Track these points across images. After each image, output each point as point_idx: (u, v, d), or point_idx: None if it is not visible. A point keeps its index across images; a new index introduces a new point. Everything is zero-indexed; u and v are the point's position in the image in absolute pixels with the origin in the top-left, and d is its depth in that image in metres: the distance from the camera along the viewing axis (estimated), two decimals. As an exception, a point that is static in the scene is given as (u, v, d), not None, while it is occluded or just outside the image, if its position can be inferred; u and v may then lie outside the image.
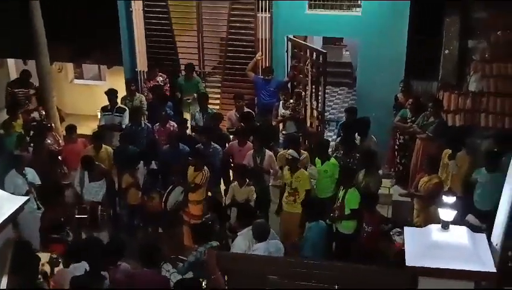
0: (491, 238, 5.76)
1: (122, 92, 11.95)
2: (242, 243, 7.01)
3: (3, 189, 8.02)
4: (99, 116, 10.64)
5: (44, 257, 6.82)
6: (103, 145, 9.60)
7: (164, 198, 8.71)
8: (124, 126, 10.43)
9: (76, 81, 14.81)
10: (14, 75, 13.68)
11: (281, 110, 10.66)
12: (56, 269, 6.84)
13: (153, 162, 9.15)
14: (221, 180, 9.97)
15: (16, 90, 11.97)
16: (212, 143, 9.33)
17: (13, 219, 6.13)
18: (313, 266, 6.27)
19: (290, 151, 8.65)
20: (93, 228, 8.63)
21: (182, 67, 12.14)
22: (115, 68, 13.37)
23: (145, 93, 11.64)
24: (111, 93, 10.61)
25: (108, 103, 10.66)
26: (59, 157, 9.63)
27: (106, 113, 10.54)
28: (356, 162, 8.92)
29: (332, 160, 8.83)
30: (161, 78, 11.64)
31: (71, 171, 9.59)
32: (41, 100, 11.42)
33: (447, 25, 10.38)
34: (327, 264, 6.71)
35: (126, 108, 10.68)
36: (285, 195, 8.67)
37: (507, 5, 9.97)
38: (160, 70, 11.74)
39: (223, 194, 9.65)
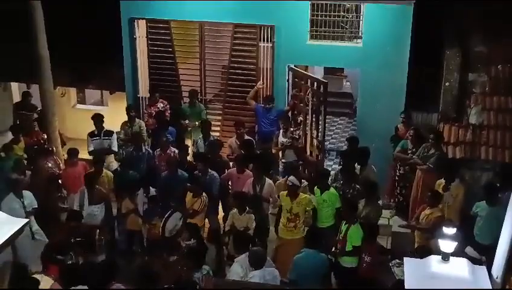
0: (492, 271, 5.74)
1: (123, 118, 12.03)
2: (239, 269, 6.97)
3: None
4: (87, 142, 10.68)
5: (43, 279, 6.76)
6: (104, 170, 9.61)
7: (162, 224, 8.68)
8: (113, 149, 10.56)
9: (79, 106, 14.89)
10: (17, 98, 13.75)
11: (281, 139, 10.71)
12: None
13: (152, 188, 9.12)
14: (220, 207, 9.96)
15: (20, 112, 12.06)
16: (210, 170, 9.33)
17: (12, 241, 6.12)
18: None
19: (291, 177, 8.66)
20: (91, 252, 8.56)
21: (184, 94, 12.23)
22: (117, 94, 13.46)
23: (146, 119, 11.69)
24: (97, 118, 10.69)
25: (94, 129, 10.70)
26: (59, 181, 9.61)
27: (94, 138, 10.60)
28: (356, 193, 8.90)
29: (332, 190, 8.82)
30: (162, 105, 11.71)
31: (70, 194, 9.58)
32: (44, 124, 11.46)
33: (447, 57, 10.49)
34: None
35: (113, 131, 10.77)
36: (284, 222, 8.63)
37: (507, 39, 10.11)
38: (161, 96, 11.82)
39: (221, 221, 9.62)
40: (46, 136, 11.16)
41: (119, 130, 11.15)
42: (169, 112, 11.73)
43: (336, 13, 11.17)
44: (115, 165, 10.60)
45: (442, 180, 8.82)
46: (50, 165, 9.98)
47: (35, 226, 8.85)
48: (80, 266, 7.48)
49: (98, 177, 9.35)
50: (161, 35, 12.15)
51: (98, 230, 8.86)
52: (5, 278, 6.00)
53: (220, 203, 9.92)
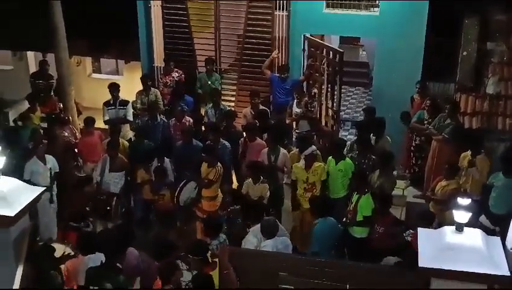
0: (506, 241, 5.73)
1: (138, 87, 12.04)
2: (253, 239, 7.04)
3: (22, 176, 8.23)
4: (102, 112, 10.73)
5: (59, 248, 6.88)
6: (120, 139, 9.68)
7: (177, 193, 8.74)
8: (128, 118, 10.58)
9: (94, 75, 14.94)
10: (33, 68, 13.83)
11: (295, 109, 10.67)
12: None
13: (166, 159, 9.17)
14: (234, 177, 10.02)
15: (37, 81, 12.14)
16: (221, 140, 9.34)
17: (30, 209, 6.22)
18: (324, 265, 6.29)
19: (313, 147, 8.73)
20: (108, 219, 8.69)
21: (199, 63, 12.20)
22: (132, 63, 13.47)
23: (161, 88, 11.70)
24: (113, 88, 10.68)
25: (110, 98, 10.71)
26: (75, 150, 9.71)
27: (109, 107, 10.61)
28: (371, 163, 8.88)
29: (348, 159, 8.79)
30: (176, 74, 11.69)
31: (87, 163, 9.68)
32: (60, 93, 11.53)
33: (465, 26, 10.30)
34: (339, 263, 6.74)
35: (129, 100, 10.78)
36: (300, 193, 8.68)
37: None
38: (176, 65, 11.79)
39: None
40: (62, 106, 11.24)
41: (134, 99, 11.15)
42: (183, 81, 11.72)
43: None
44: (130, 134, 10.66)
45: (468, 153, 8.65)
46: (66, 134, 10.07)
47: (55, 189, 9.04)
48: (96, 234, 7.60)
49: (118, 147, 9.40)
50: (176, 3, 12.09)
51: (115, 198, 8.97)
52: (23, 245, 6.10)
53: (234, 173, 9.98)
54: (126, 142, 9.87)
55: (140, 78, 11.38)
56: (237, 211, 8.04)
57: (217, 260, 6.34)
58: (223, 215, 8.42)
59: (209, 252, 6.63)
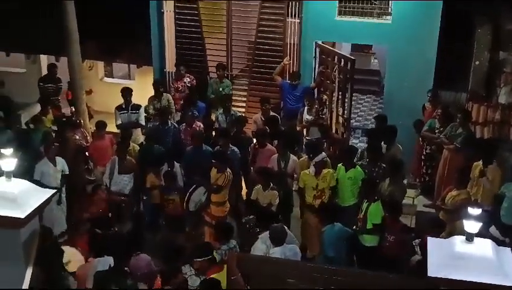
0: (516, 252, 5.67)
1: (149, 92, 12.08)
2: (262, 246, 7.02)
3: (32, 177, 8.29)
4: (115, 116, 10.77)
5: (67, 250, 6.91)
6: (130, 143, 9.72)
7: (186, 198, 8.75)
8: (141, 123, 10.62)
9: (106, 79, 15.02)
10: (45, 71, 13.93)
11: (306, 116, 10.66)
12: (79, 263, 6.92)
13: (176, 164, 9.18)
14: (244, 184, 10.02)
15: (46, 85, 12.22)
16: (231, 146, 9.35)
17: (40, 211, 6.24)
18: (333, 272, 6.25)
19: (323, 154, 8.76)
20: (117, 222, 8.71)
21: (210, 69, 12.24)
22: (144, 68, 13.53)
23: (172, 93, 11.75)
24: (125, 92, 10.70)
25: (122, 102, 10.71)
26: (86, 153, 9.76)
27: (122, 112, 10.62)
28: (381, 171, 8.85)
29: (358, 168, 8.76)
30: (188, 80, 11.73)
31: (97, 166, 9.72)
32: (72, 96, 11.60)
33: (478, 35, 10.28)
34: (347, 271, 6.68)
35: (141, 105, 10.80)
36: (310, 201, 8.66)
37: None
38: (187, 71, 11.83)
39: (245, 197, 9.67)
40: (74, 109, 11.31)
41: (146, 104, 11.20)
42: (195, 86, 11.75)
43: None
44: (141, 139, 10.69)
45: (480, 163, 8.60)
46: (77, 137, 10.13)
47: (64, 192, 9.09)
48: (105, 237, 7.61)
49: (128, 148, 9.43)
50: (188, 9, 12.15)
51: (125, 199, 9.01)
52: (33, 246, 6.13)
53: (243, 179, 9.98)
54: (136, 146, 9.89)
55: (152, 84, 11.42)
56: (253, 221, 7.99)
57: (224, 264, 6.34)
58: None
59: (216, 254, 6.61)
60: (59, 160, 9.07)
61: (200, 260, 6.29)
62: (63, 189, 9.10)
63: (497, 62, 10.09)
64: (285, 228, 7.38)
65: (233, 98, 11.82)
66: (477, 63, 10.18)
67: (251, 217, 8.02)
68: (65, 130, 10.11)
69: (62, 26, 10.88)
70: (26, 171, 8.36)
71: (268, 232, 7.14)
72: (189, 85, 11.66)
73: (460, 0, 10.47)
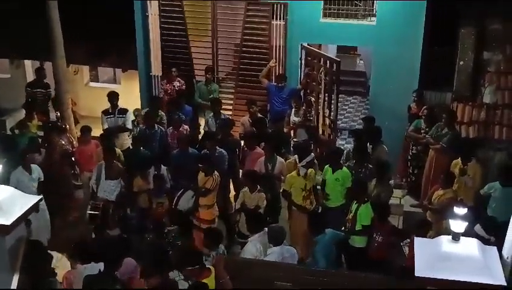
0: (502, 251, 5.72)
1: (135, 96, 12.08)
2: (253, 249, 7.00)
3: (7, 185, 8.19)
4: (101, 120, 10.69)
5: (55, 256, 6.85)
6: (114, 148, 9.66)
7: (174, 202, 8.73)
8: (127, 127, 10.56)
9: (92, 84, 14.94)
10: (30, 76, 13.83)
11: (293, 118, 10.69)
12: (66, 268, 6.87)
13: (163, 167, 9.16)
14: (231, 186, 10.02)
15: (35, 90, 12.14)
16: (218, 148, 9.35)
17: (26, 217, 6.19)
18: (320, 274, 6.28)
19: (312, 155, 8.84)
20: (104, 227, 8.65)
21: (196, 72, 12.23)
22: (130, 72, 13.48)
23: (161, 95, 11.70)
24: (112, 96, 10.62)
25: (109, 106, 10.59)
26: (72, 158, 9.70)
27: (108, 116, 10.54)
28: (368, 172, 8.88)
29: (345, 169, 8.79)
30: (178, 84, 11.70)
31: (83, 172, 9.66)
32: (57, 101, 11.52)
33: (462, 36, 10.35)
34: (335, 273, 6.72)
35: (127, 109, 10.72)
36: (300, 202, 8.65)
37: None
38: (178, 75, 11.78)
39: (232, 200, 9.67)
40: (59, 114, 11.23)
41: (132, 108, 11.15)
42: (183, 90, 11.71)
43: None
44: (129, 143, 10.63)
45: (459, 160, 8.72)
46: (63, 142, 10.06)
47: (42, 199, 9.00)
48: (92, 242, 7.56)
49: (114, 153, 9.37)
50: (173, 12, 12.13)
51: (112, 205, 8.94)
52: (19, 253, 6.08)
53: (231, 182, 9.98)
54: (119, 150, 9.79)
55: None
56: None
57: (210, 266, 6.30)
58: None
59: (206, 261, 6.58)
60: (34, 168, 8.92)
61: (190, 269, 6.24)
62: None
63: (481, 62, 10.16)
64: (284, 229, 7.37)
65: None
66: (461, 63, 10.25)
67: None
68: (51, 136, 10.03)
69: (46, 31, 10.83)
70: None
71: (258, 235, 7.13)
72: (177, 89, 11.61)
73: (445, 1, 10.58)
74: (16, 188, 8.17)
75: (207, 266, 6.23)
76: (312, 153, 8.98)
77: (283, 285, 6.14)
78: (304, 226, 8.53)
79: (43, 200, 8.86)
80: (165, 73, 12.01)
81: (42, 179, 9.00)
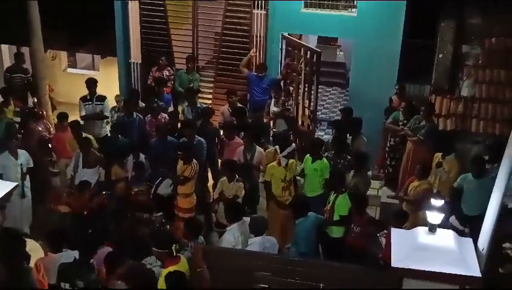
0: (478, 243, 5.81)
1: (114, 82, 11.92)
2: (231, 238, 7.01)
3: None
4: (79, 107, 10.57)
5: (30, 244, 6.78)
6: (83, 134, 9.54)
7: (153, 190, 8.69)
8: (105, 114, 10.48)
9: (70, 70, 14.75)
10: (7, 61, 13.60)
11: (273, 108, 10.68)
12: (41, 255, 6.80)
13: (141, 155, 9.10)
14: (210, 175, 10.00)
15: (13, 75, 11.94)
16: (197, 136, 9.30)
17: (0, 205, 6.12)
18: (298, 264, 6.31)
19: (293, 146, 8.85)
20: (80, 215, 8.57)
21: (176, 60, 12.14)
22: (108, 58, 13.33)
23: (149, 82, 11.63)
24: (90, 83, 10.51)
25: (87, 93, 10.51)
26: (49, 145, 9.58)
27: (86, 103, 10.43)
28: (346, 163, 8.93)
29: (324, 160, 8.82)
30: (167, 73, 11.61)
31: (60, 159, 9.55)
32: (34, 87, 11.35)
33: (441, 29, 10.41)
34: (312, 262, 6.76)
35: (106, 96, 10.63)
36: (279, 193, 8.64)
37: (502, 11, 10.05)
38: (157, 62, 11.65)
39: (211, 189, 9.65)
40: (36, 100, 11.08)
41: (110, 95, 11.03)
42: (172, 81, 11.62)
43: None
44: (107, 130, 10.55)
45: (439, 154, 8.76)
46: (40, 128, 9.92)
47: (28, 185, 8.88)
48: (68, 230, 7.48)
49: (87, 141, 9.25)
50: (154, -1, 12.00)
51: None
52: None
53: (210, 171, 9.96)
54: (91, 136, 9.66)
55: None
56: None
57: (180, 255, 6.27)
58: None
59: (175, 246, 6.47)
60: (21, 153, 8.86)
61: (158, 251, 6.16)
62: (26, 183, 8.88)
63: (460, 55, 10.22)
64: (265, 219, 7.37)
65: (200, 89, 11.74)
66: (440, 56, 10.30)
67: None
68: (28, 122, 9.89)
69: (24, 15, 10.64)
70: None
71: (236, 224, 7.12)
72: (165, 78, 11.50)
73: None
74: (1, 172, 8.19)
75: (178, 255, 6.19)
76: (293, 144, 8.98)
77: (262, 275, 6.15)
78: (283, 217, 8.54)
79: (29, 187, 8.83)
80: (156, 61, 11.81)
81: (31, 165, 8.91)
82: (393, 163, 10.09)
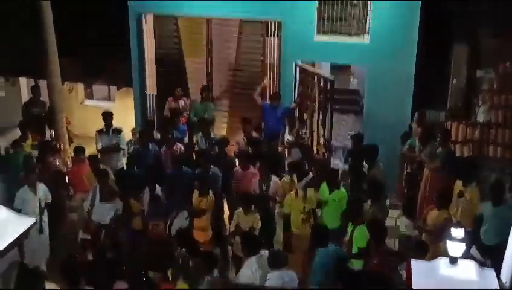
0: (500, 274, 5.70)
1: (130, 114, 12.00)
2: (248, 272, 6.91)
3: (12, 204, 8.13)
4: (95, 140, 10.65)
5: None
6: (101, 167, 9.59)
7: (169, 224, 8.65)
8: (121, 146, 10.57)
9: (87, 101, 14.88)
10: (25, 94, 13.78)
11: (287, 137, 10.66)
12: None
13: (157, 187, 9.09)
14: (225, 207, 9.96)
15: (31, 109, 12.11)
16: (212, 167, 9.31)
17: (19, 242, 6.13)
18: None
19: (310, 175, 8.78)
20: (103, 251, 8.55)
21: (191, 90, 12.23)
22: (124, 89, 13.46)
23: (165, 113, 11.74)
24: (106, 116, 10.62)
25: (103, 125, 10.59)
26: (66, 179, 9.61)
27: (103, 135, 10.53)
28: (363, 192, 8.82)
29: (342, 189, 8.71)
30: (182, 103, 11.69)
31: (77, 193, 9.57)
32: (51, 120, 11.47)
33: (455, 54, 10.42)
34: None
35: (121, 129, 10.73)
36: (298, 225, 8.51)
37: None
38: (172, 93, 11.75)
39: (226, 221, 9.60)
40: (53, 133, 11.17)
41: (126, 127, 11.11)
42: (187, 111, 11.71)
43: (344, 8, 11.09)
44: (123, 162, 10.58)
45: (460, 183, 8.56)
46: (57, 162, 9.98)
47: (45, 219, 8.91)
48: (83, 265, 7.46)
49: (106, 174, 9.29)
50: (168, 31, 12.14)
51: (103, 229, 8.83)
52: (10, 278, 6.01)
53: (226, 202, 9.92)
54: (109, 169, 9.71)
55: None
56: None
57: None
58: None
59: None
60: (40, 187, 8.89)
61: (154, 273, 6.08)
62: (44, 217, 8.90)
63: (475, 80, 10.21)
64: (284, 253, 7.27)
65: (215, 119, 11.78)
66: (455, 81, 10.29)
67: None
68: (45, 156, 9.96)
69: (42, 48, 10.80)
70: (7, 198, 8.22)
71: (254, 258, 7.03)
72: (180, 108, 11.58)
73: (438, 19, 10.65)
74: (20, 208, 8.19)
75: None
76: (310, 173, 8.89)
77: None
78: (303, 249, 8.39)
79: (47, 222, 8.83)
80: (171, 92, 11.90)
81: (50, 200, 8.94)
82: (411, 191, 9.96)
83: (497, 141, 9.45)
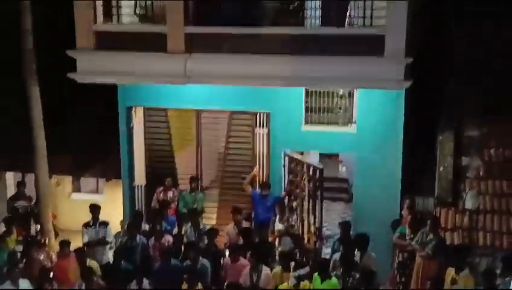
0: None
1: (118, 206, 11.89)
2: None
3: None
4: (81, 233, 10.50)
5: None
6: (88, 260, 9.41)
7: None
8: (108, 239, 10.44)
9: (74, 194, 14.69)
10: (12, 188, 13.69)
11: (277, 226, 10.59)
12: None
13: (145, 281, 8.89)
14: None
15: (16, 204, 12.00)
16: (201, 259, 9.17)
17: None
18: None
19: (307, 269, 8.70)
20: None
21: (180, 181, 12.22)
22: (113, 181, 13.39)
23: (153, 204, 11.67)
24: (94, 209, 10.55)
25: (90, 218, 10.50)
26: (50, 274, 9.39)
27: (89, 228, 10.41)
28: (355, 281, 8.67)
29: (334, 279, 8.59)
30: (171, 194, 11.66)
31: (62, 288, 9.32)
32: (37, 215, 11.35)
33: (440, 141, 10.57)
34: None
35: (108, 222, 10.62)
36: None
37: (499, 123, 10.24)
38: (162, 183, 11.75)
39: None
40: (39, 228, 11.04)
41: (114, 220, 10.98)
42: (176, 203, 11.64)
43: (330, 99, 11.34)
44: (110, 256, 10.40)
45: (452, 270, 8.53)
46: (42, 257, 9.80)
47: None
48: None
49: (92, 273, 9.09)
50: (158, 123, 12.29)
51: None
52: None
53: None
54: (95, 262, 9.55)
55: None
56: None
57: None
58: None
59: None
60: (22, 282, 8.70)
61: None
62: None
63: (461, 167, 10.31)
64: None
65: (204, 210, 11.72)
66: (441, 169, 10.39)
67: None
68: (30, 251, 9.79)
69: (29, 142, 10.86)
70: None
71: None
72: (170, 201, 11.54)
73: (422, 108, 10.90)
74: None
75: None
76: (307, 267, 8.75)
77: None
78: None
79: None
80: (160, 183, 11.89)
81: None
82: (403, 279, 9.80)
83: (486, 228, 9.43)
